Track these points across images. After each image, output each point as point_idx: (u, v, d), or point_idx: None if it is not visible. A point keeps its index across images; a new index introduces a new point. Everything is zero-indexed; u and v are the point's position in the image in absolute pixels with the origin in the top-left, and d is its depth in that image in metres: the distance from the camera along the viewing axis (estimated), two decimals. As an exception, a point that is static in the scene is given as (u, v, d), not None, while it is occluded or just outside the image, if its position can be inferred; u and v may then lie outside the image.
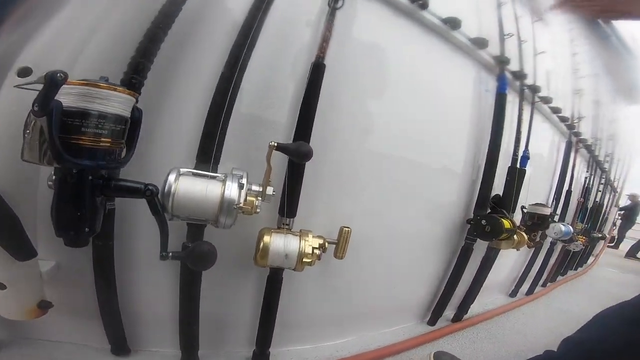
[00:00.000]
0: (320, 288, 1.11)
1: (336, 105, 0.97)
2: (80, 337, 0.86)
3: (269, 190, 0.72)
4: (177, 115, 0.78)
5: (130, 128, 0.59)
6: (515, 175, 1.50)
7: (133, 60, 0.64)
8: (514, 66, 1.54)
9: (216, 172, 0.69)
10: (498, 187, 1.50)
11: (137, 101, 0.60)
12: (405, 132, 1.18)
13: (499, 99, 1.46)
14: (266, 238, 0.74)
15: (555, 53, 2.01)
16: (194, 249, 0.62)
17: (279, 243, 0.75)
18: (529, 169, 1.60)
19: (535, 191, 1.87)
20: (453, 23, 1.26)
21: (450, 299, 1.49)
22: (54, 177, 0.56)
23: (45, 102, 0.45)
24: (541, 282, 2.32)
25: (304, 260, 0.76)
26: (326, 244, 0.81)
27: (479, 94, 1.47)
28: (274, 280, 0.87)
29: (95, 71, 0.58)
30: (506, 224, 1.35)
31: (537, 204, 1.67)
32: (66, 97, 0.49)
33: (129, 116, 0.58)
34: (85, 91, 0.50)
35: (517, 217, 1.63)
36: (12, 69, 0.70)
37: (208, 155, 0.70)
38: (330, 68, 0.88)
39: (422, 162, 1.26)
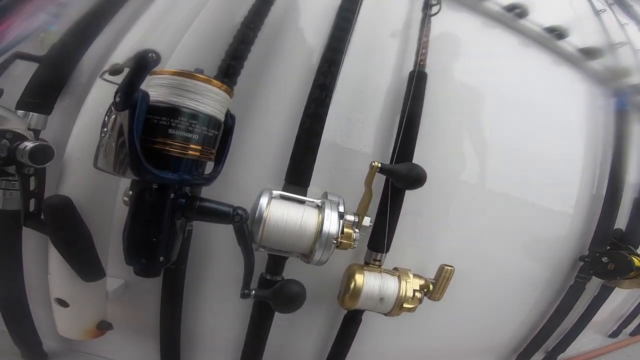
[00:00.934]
0: (396, 321, 0.96)
1: (437, 124, 0.81)
2: (134, 356, 0.80)
3: (366, 220, 0.58)
4: (261, 128, 0.67)
5: (221, 137, 0.48)
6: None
7: (223, 62, 0.55)
8: (633, 79, 1.26)
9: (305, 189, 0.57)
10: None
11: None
12: (510, 155, 0.97)
13: (620, 117, 1.20)
14: (358, 278, 0.60)
15: None
16: (282, 289, 0.50)
17: (374, 284, 0.60)
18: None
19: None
20: (559, 32, 1.06)
21: (547, 340, 1.25)
22: (130, 192, 0.47)
23: (130, 90, 0.35)
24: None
25: (404, 305, 0.60)
26: (430, 285, 0.64)
27: (592, 112, 1.21)
28: (352, 322, 0.72)
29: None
30: (636, 261, 1.07)
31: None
32: (154, 89, 0.40)
33: (223, 120, 0.47)
34: (178, 83, 0.40)
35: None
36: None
37: (300, 176, 0.57)
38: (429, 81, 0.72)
39: (528, 194, 1.04)
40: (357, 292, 0.60)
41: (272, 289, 0.51)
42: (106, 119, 0.44)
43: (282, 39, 0.72)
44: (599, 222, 1.18)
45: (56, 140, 0.64)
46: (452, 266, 0.69)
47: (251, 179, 0.57)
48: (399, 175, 0.54)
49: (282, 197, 0.52)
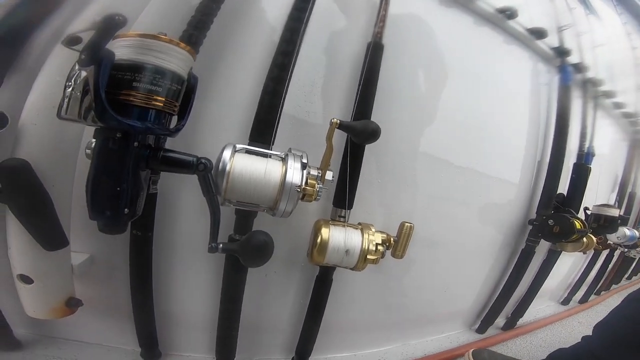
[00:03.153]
0: (367, 290, 1.01)
1: (395, 93, 0.86)
2: (109, 338, 0.79)
3: (329, 174, 0.61)
4: (226, 89, 0.69)
5: (184, 96, 0.50)
6: (581, 173, 1.33)
7: (193, 18, 0.56)
8: (574, 58, 1.39)
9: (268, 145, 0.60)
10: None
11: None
12: (463, 125, 1.05)
13: (563, 91, 1.32)
14: (324, 231, 0.64)
15: (614, 47, 1.83)
16: (250, 239, 0.52)
17: (339, 238, 0.64)
18: (593, 166, 1.44)
19: (597, 191, 1.69)
20: (509, 12, 1.14)
21: (505, 305, 1.35)
22: (93, 142, 0.47)
23: (96, 48, 0.36)
24: (595, 290, 2.11)
25: (367, 257, 0.65)
26: (392, 239, 0.69)
27: (538, 87, 1.33)
28: (324, 281, 0.77)
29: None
30: (577, 224, 1.19)
31: (604, 205, 1.49)
32: (119, 49, 0.41)
33: (186, 78, 0.49)
34: (142, 43, 0.42)
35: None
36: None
37: (263, 135, 0.60)
38: (386, 52, 0.77)
39: (479, 160, 1.12)
40: (323, 245, 0.63)
41: (239, 241, 0.53)
42: (71, 74, 0.44)
43: (247, 10, 0.74)
44: (544, 187, 1.29)
45: (10, 109, 0.62)
46: (411, 223, 0.74)
47: (216, 142, 0.58)
48: (356, 131, 0.58)
49: (247, 152, 0.54)
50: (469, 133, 1.05)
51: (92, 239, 0.71)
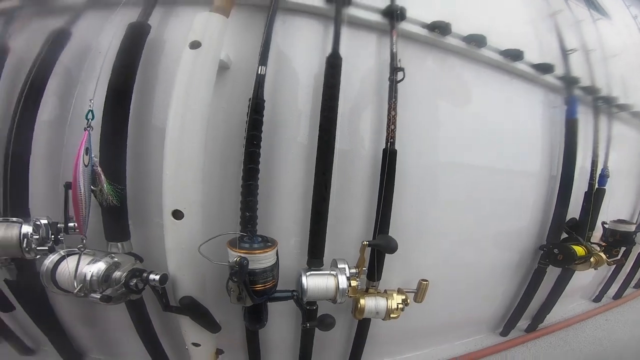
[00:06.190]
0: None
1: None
2: None
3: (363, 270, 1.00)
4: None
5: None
6: (591, 200, 1.51)
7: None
8: (584, 81, 1.51)
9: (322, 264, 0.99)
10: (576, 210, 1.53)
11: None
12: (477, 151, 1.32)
13: (569, 126, 1.46)
14: (362, 301, 1.02)
15: (629, 50, 1.83)
16: (324, 319, 0.96)
17: (371, 305, 1.02)
18: (608, 186, 1.58)
19: (618, 203, 1.80)
20: (514, 55, 1.32)
21: (524, 313, 1.60)
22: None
23: (242, 275, 0.76)
24: (632, 283, 2.19)
25: (391, 315, 1.03)
26: (408, 299, 1.05)
27: (550, 116, 1.49)
28: (363, 323, 1.18)
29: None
30: (579, 251, 1.40)
31: (619, 221, 1.63)
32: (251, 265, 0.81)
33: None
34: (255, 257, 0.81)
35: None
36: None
37: (319, 251, 0.99)
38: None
39: (494, 187, 1.38)
40: (361, 310, 1.01)
41: (318, 319, 0.96)
42: (228, 285, 0.83)
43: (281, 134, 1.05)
44: (554, 215, 1.50)
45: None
46: (427, 280, 1.06)
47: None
48: (381, 247, 0.95)
49: (314, 274, 0.94)
50: (482, 174, 1.34)
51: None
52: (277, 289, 0.90)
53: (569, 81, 1.48)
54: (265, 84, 0.87)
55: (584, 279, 1.89)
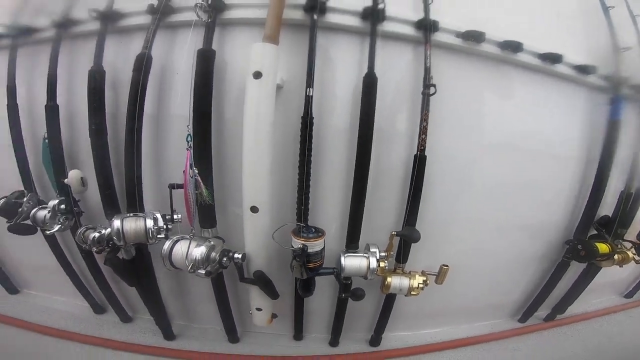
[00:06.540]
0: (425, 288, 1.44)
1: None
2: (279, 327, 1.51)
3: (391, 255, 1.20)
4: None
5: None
6: (622, 201, 1.53)
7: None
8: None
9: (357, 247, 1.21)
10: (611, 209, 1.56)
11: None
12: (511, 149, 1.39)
13: (610, 127, 1.45)
14: (388, 279, 1.22)
15: None
16: (356, 291, 1.18)
17: (396, 282, 1.22)
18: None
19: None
20: (553, 58, 1.32)
21: (542, 303, 1.71)
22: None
23: (303, 257, 1.01)
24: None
25: (412, 292, 1.22)
26: (428, 280, 1.24)
27: (591, 117, 1.48)
28: (389, 297, 1.39)
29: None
30: (603, 248, 1.46)
31: (652, 221, 1.63)
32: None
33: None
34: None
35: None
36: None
37: (355, 238, 1.21)
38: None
39: (529, 189, 1.46)
40: (388, 286, 1.22)
41: (351, 291, 1.18)
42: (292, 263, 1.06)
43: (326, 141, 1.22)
44: (583, 213, 1.54)
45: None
46: (447, 265, 1.23)
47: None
48: (406, 237, 1.13)
49: (350, 255, 1.15)
50: (517, 163, 1.42)
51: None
52: (323, 266, 1.14)
53: (616, 81, 1.43)
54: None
55: (617, 275, 1.86)
